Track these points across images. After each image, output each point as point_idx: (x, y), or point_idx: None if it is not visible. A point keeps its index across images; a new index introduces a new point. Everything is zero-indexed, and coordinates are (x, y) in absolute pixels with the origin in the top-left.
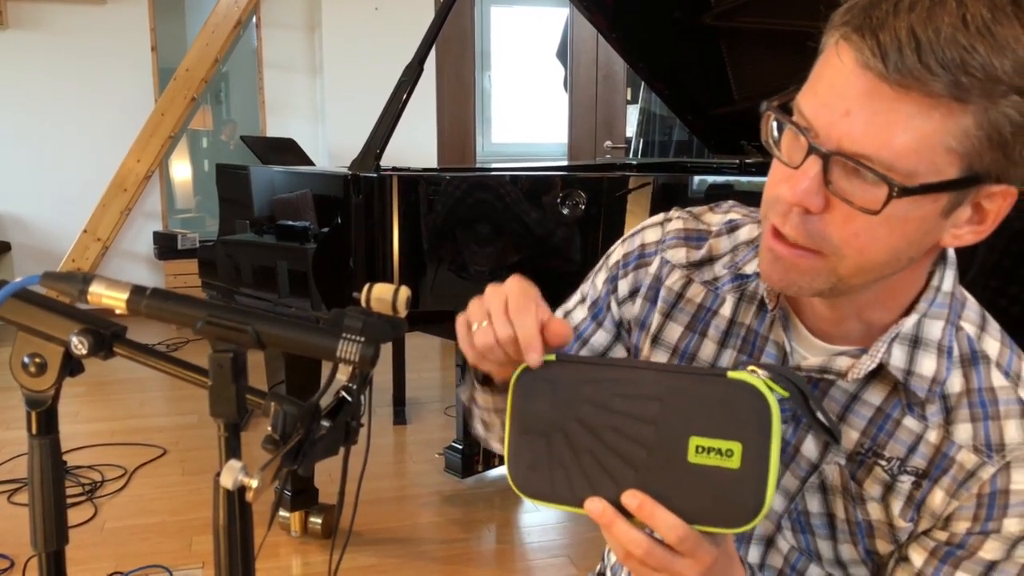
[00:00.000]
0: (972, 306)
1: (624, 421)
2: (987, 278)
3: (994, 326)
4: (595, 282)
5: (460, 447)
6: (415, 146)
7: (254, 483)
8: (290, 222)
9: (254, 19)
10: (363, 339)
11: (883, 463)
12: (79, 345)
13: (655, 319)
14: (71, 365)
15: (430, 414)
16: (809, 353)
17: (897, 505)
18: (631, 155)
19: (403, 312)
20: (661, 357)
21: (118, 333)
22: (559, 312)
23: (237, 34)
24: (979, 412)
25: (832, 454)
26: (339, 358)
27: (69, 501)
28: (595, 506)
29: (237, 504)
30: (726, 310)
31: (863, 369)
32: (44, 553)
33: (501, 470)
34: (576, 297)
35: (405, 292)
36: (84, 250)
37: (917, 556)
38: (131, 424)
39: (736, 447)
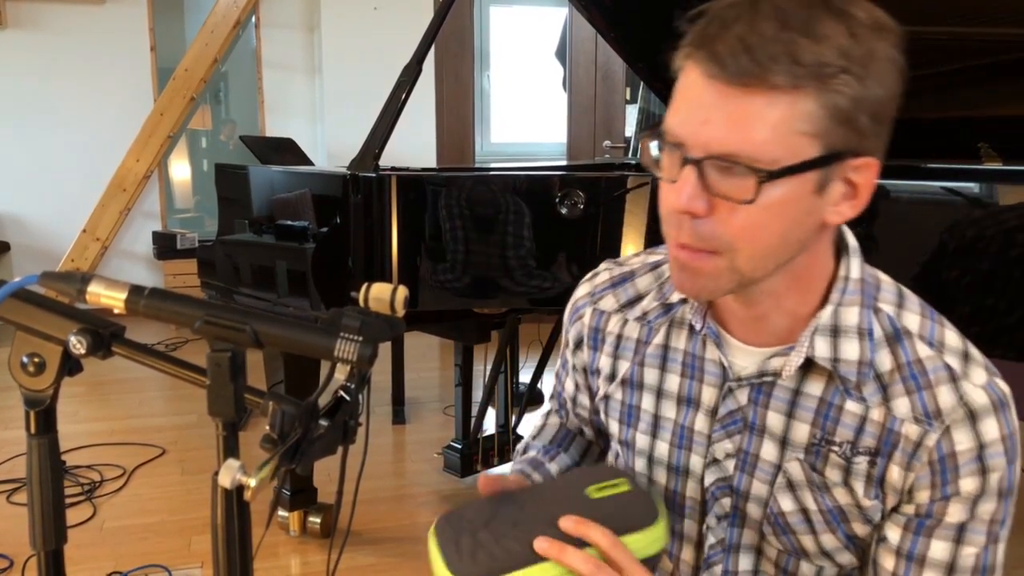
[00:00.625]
0: (887, 287)
1: (535, 501)
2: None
3: (912, 300)
4: None
5: (459, 446)
6: (414, 146)
7: (252, 482)
8: (289, 222)
9: (253, 19)
10: (361, 338)
11: (836, 449)
12: (78, 345)
13: (604, 361)
14: (70, 365)
15: (429, 413)
16: (746, 362)
17: (859, 486)
18: (630, 155)
19: (401, 312)
20: (616, 392)
21: (117, 333)
22: None
23: (236, 34)
24: (912, 384)
25: (790, 451)
26: (337, 357)
27: (68, 501)
28: (543, 544)
29: (235, 503)
30: (659, 339)
31: (793, 365)
32: (43, 552)
33: (500, 469)
34: None
35: (403, 292)
36: (83, 250)
37: (893, 534)
38: (130, 424)
39: (621, 480)
